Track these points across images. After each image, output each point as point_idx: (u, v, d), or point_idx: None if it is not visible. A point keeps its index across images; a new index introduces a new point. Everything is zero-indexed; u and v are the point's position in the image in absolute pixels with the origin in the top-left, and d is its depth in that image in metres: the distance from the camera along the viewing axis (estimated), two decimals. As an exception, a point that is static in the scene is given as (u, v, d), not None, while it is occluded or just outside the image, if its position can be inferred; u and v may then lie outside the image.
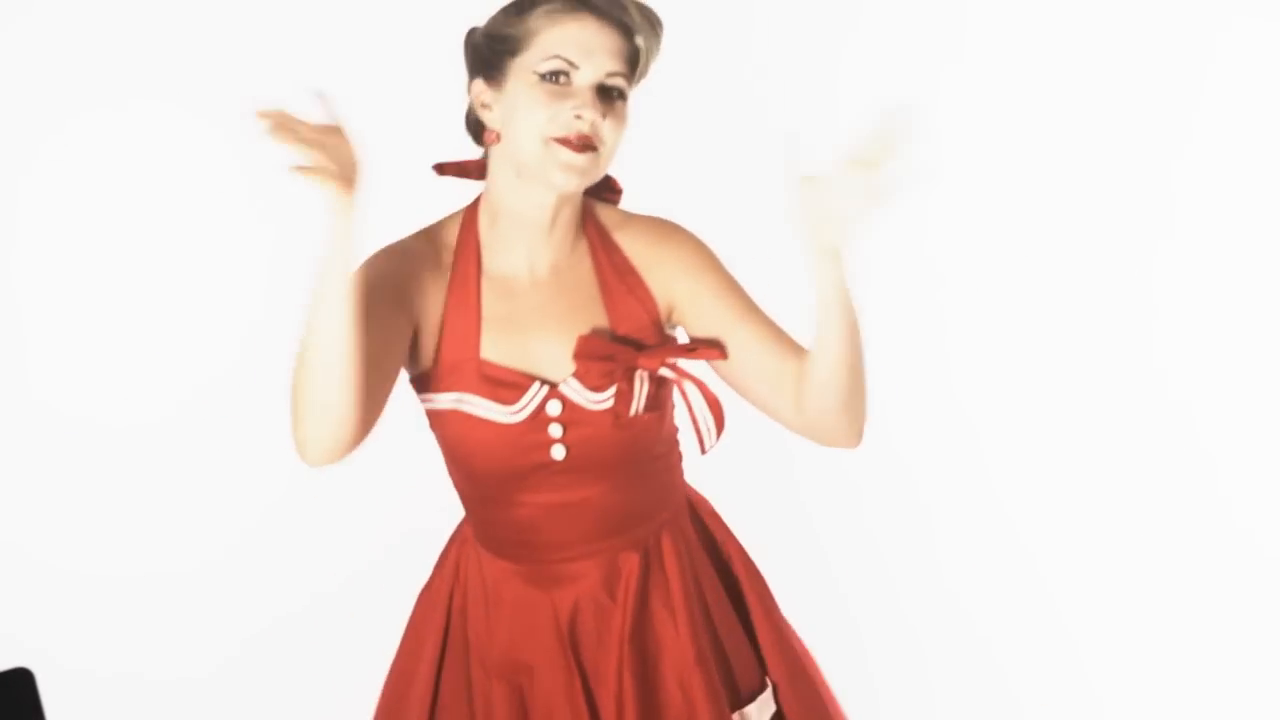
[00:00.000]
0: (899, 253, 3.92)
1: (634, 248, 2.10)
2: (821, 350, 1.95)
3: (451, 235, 2.08)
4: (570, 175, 1.96)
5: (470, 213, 2.08)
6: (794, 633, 2.30)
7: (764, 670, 2.22)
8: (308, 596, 3.67)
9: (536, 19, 1.97)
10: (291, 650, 3.64)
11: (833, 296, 1.91)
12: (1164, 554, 3.77)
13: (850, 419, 2.01)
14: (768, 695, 2.19)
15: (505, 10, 2.02)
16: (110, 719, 3.51)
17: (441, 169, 2.11)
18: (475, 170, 2.10)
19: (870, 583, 3.80)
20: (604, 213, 2.13)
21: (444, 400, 2.05)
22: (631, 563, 2.12)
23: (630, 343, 2.05)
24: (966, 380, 3.97)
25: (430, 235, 2.08)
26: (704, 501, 2.30)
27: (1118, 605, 3.73)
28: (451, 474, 2.16)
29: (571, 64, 1.96)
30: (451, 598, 2.21)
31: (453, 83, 2.09)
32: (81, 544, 3.75)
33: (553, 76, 1.97)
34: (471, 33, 2.06)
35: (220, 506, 3.80)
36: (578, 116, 1.95)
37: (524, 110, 1.96)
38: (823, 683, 2.30)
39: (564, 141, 1.95)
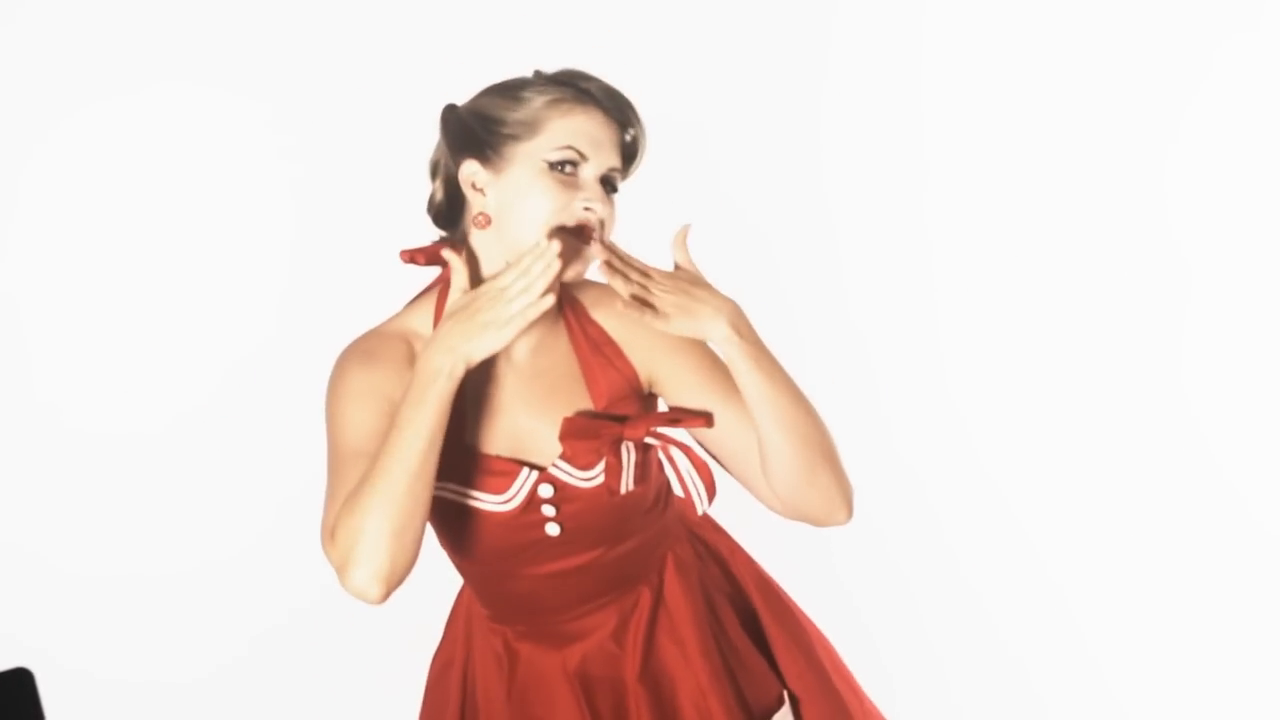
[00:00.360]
0: (897, 257, 3.96)
1: (611, 323, 2.08)
2: (759, 421, 1.96)
3: (420, 323, 2.05)
4: (580, 265, 1.98)
5: (441, 299, 2.04)
6: (819, 640, 2.27)
7: (783, 683, 2.19)
8: (307, 599, 3.63)
9: (544, 107, 1.97)
10: (290, 653, 3.66)
11: (742, 368, 1.94)
12: (1173, 549, 3.80)
13: (822, 493, 2.00)
14: (785, 712, 2.17)
15: (497, 93, 2.01)
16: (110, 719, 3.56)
17: (411, 257, 2.05)
18: (439, 255, 2.04)
19: (881, 587, 3.81)
20: (577, 287, 2.11)
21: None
22: (642, 605, 2.12)
23: (614, 416, 2.04)
24: (970, 383, 3.96)
25: (397, 327, 2.05)
26: (706, 517, 2.26)
27: (1130, 601, 3.75)
28: (444, 548, 2.14)
29: (582, 156, 1.97)
30: (465, 667, 2.20)
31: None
32: (83, 545, 3.77)
33: (561, 166, 1.96)
34: (451, 110, 2.04)
35: (222, 509, 3.80)
36: (587, 209, 1.97)
37: (532, 198, 1.95)
38: (852, 691, 2.26)
39: (571, 231, 1.97)
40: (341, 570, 1.89)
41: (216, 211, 3.80)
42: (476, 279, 2.02)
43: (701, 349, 2.07)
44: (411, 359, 2.01)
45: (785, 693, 2.20)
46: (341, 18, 3.78)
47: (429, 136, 2.07)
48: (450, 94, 2.07)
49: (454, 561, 2.16)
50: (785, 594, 2.30)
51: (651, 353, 2.07)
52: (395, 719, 2.37)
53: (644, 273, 1.95)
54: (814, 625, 2.30)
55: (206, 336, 3.81)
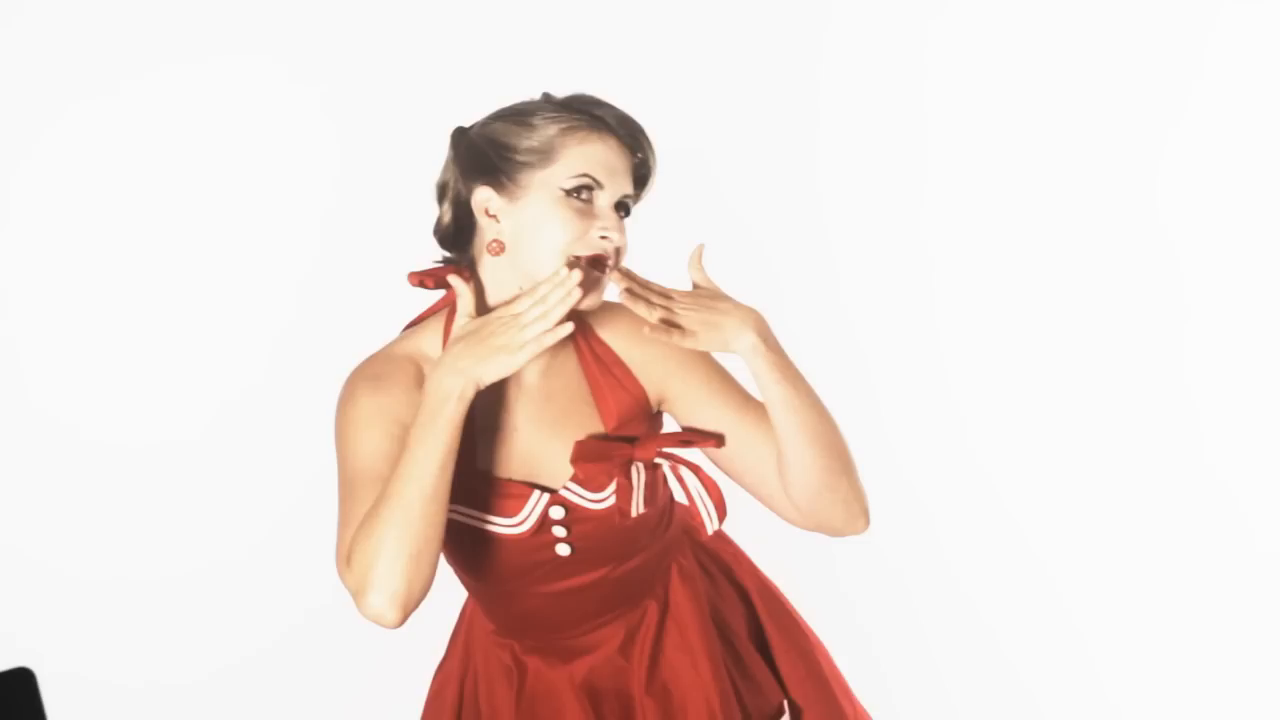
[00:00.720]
0: (897, 266, 3.96)
1: (620, 344, 2.07)
2: (781, 431, 1.97)
3: (428, 345, 2.03)
4: (596, 294, 1.97)
5: (450, 321, 2.03)
6: (819, 647, 2.28)
7: (784, 691, 2.21)
8: (309, 605, 3.62)
9: (559, 135, 1.96)
10: (292, 657, 3.67)
11: (767, 379, 1.95)
12: (1172, 556, 3.79)
13: (842, 502, 2.01)
14: None
15: (508, 118, 1.99)
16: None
17: (420, 280, 2.03)
18: (447, 278, 2.02)
19: (883, 594, 3.82)
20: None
21: None
22: (649, 619, 2.12)
23: (624, 438, 2.04)
24: (970, 393, 3.96)
25: (405, 350, 2.03)
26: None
27: (1130, 609, 3.77)
28: (452, 567, 2.13)
29: (598, 183, 1.96)
30: (463, 681, 2.21)
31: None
32: (86, 549, 3.76)
33: (577, 193, 1.95)
34: (462, 133, 2.02)
35: (225, 515, 3.79)
36: (604, 238, 1.96)
37: (550, 226, 1.95)
38: (848, 700, 2.27)
39: (588, 261, 1.96)
40: (358, 595, 1.88)
41: (225, 215, 3.79)
42: (483, 305, 2.00)
43: (710, 364, 2.08)
44: (421, 381, 1.99)
45: (786, 701, 2.21)
46: (345, 27, 3.78)
47: (438, 148, 2.06)
48: (452, 110, 2.06)
49: (461, 580, 2.16)
50: (787, 601, 2.30)
51: (663, 372, 2.07)
52: (396, 723, 2.39)
53: (665, 295, 1.95)
54: (814, 633, 2.31)
55: (213, 342, 3.80)
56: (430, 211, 2.08)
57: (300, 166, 3.78)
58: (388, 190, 3.42)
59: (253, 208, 3.79)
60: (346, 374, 2.04)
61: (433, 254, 2.07)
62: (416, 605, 1.91)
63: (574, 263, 1.94)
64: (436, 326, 2.05)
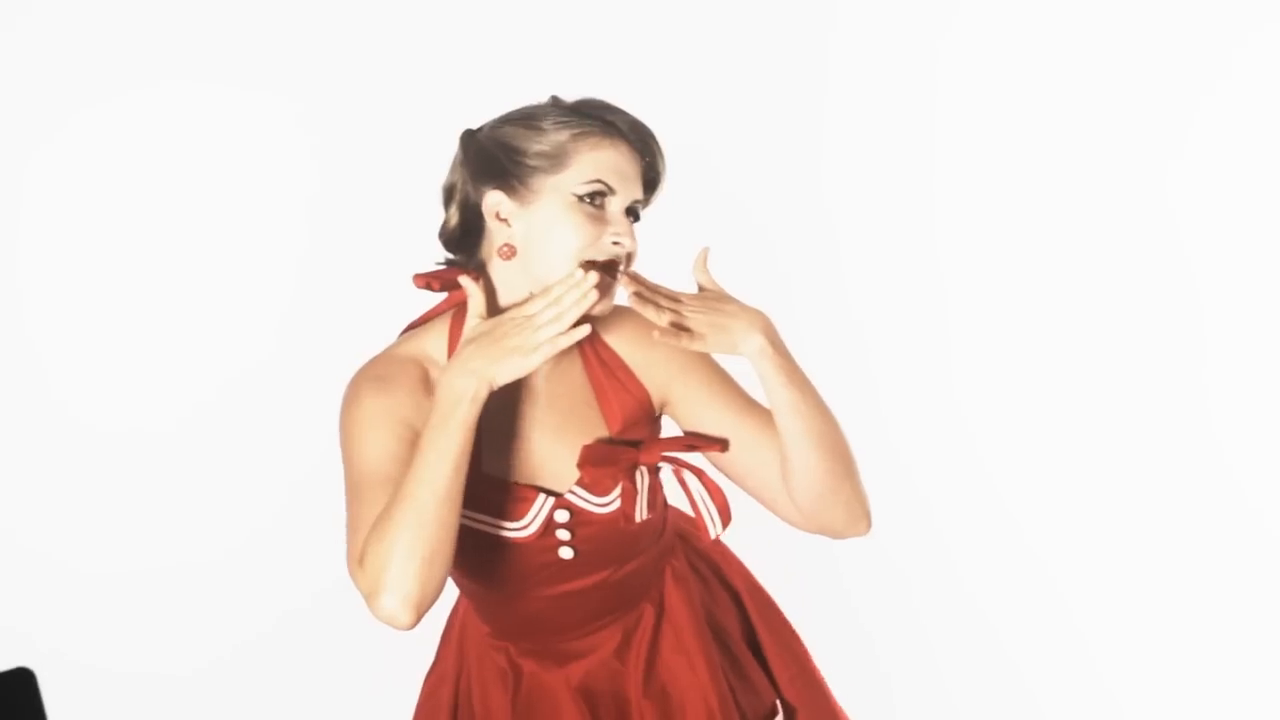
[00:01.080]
0: (905, 268, 3.94)
1: (624, 347, 2.08)
2: (786, 433, 1.98)
3: (434, 347, 2.02)
4: (607, 299, 1.97)
5: (456, 324, 2.03)
6: (804, 648, 2.29)
7: (776, 691, 2.22)
8: (309, 595, 3.65)
9: (572, 140, 1.96)
10: (291, 648, 3.67)
11: (774, 382, 1.96)
12: (1177, 561, 3.79)
13: (845, 504, 2.02)
14: None
15: (520, 123, 1.99)
16: (113, 716, 3.56)
17: (426, 282, 2.03)
18: (455, 281, 2.03)
19: (882, 591, 3.82)
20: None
21: None
22: (645, 622, 2.13)
23: (629, 442, 2.05)
24: (974, 387, 3.95)
25: (409, 351, 2.02)
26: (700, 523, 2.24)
27: (1133, 611, 3.77)
28: (452, 572, 2.10)
29: (610, 189, 1.96)
30: (458, 682, 2.20)
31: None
32: (87, 541, 3.76)
33: (590, 199, 1.95)
34: (471, 136, 2.02)
35: (224, 506, 3.78)
36: (616, 243, 1.96)
37: (562, 232, 1.94)
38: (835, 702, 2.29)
39: (600, 266, 1.96)
40: (371, 597, 1.87)
41: (230, 211, 3.78)
42: (493, 307, 1.99)
43: (712, 367, 2.09)
44: (426, 383, 1.99)
45: (778, 701, 2.22)
46: (351, 28, 3.78)
47: (428, 149, 2.06)
48: (453, 110, 2.05)
49: (458, 582, 2.15)
50: (773, 600, 2.31)
51: (667, 376, 2.08)
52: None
53: (673, 298, 1.96)
54: (804, 647, 2.31)
55: (210, 339, 3.80)
56: (426, 211, 2.07)
57: (300, 167, 3.78)
58: (387, 190, 3.43)
59: (249, 206, 3.78)
60: (343, 369, 2.03)
61: (430, 255, 2.06)
62: (430, 607, 1.90)
63: (587, 267, 1.94)
64: (441, 328, 2.04)
